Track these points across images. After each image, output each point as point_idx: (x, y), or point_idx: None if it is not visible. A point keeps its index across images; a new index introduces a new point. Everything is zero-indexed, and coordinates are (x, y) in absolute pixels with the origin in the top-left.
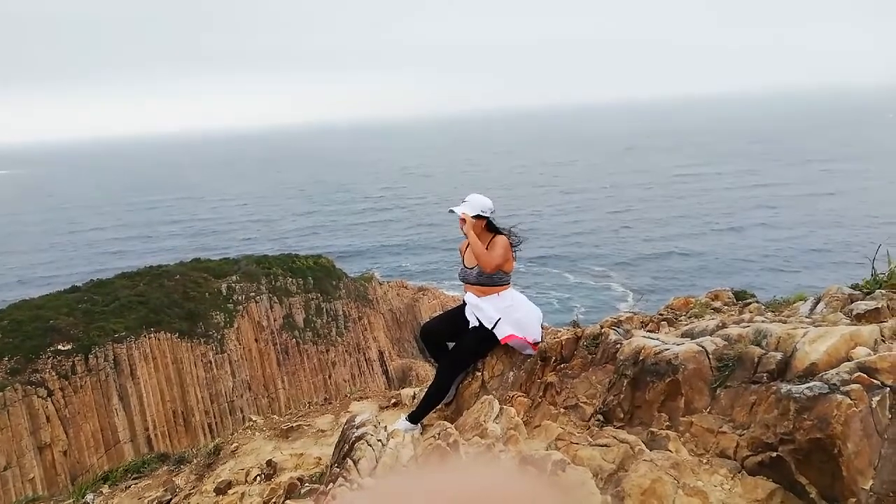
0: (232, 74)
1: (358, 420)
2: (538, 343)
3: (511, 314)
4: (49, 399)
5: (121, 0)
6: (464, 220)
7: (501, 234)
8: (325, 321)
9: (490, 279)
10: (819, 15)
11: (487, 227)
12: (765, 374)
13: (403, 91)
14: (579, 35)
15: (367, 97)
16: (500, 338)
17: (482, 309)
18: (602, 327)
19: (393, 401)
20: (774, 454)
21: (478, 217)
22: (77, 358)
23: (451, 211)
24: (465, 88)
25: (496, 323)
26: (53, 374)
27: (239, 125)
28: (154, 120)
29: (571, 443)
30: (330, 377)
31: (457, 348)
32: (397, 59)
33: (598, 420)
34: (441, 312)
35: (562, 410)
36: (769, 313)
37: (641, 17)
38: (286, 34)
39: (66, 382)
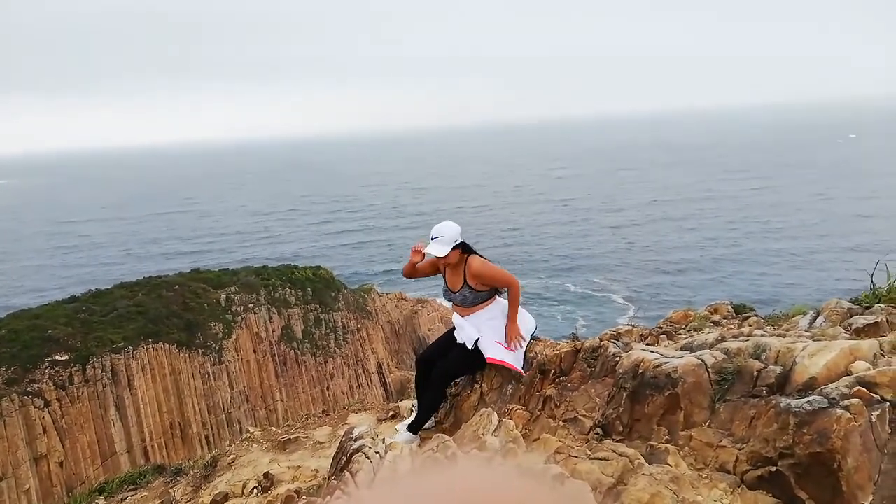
0: (231, 85)
1: (356, 432)
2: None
3: (494, 327)
4: (46, 410)
5: (112, 9)
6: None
7: (474, 252)
8: (323, 332)
9: (475, 300)
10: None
11: (462, 249)
12: (764, 388)
13: (409, 102)
14: (582, 49)
15: (371, 109)
16: (486, 356)
17: (464, 329)
18: (601, 340)
19: (391, 413)
20: (774, 469)
21: (455, 248)
22: (74, 368)
23: (432, 255)
24: (471, 99)
25: (476, 342)
26: (50, 384)
27: (237, 136)
28: (151, 131)
29: (570, 456)
30: (328, 389)
31: (447, 360)
32: (402, 71)
33: (598, 433)
34: (437, 338)
35: (561, 424)
36: (768, 327)
37: (641, 32)
38: (286, 41)
39: (63, 393)
